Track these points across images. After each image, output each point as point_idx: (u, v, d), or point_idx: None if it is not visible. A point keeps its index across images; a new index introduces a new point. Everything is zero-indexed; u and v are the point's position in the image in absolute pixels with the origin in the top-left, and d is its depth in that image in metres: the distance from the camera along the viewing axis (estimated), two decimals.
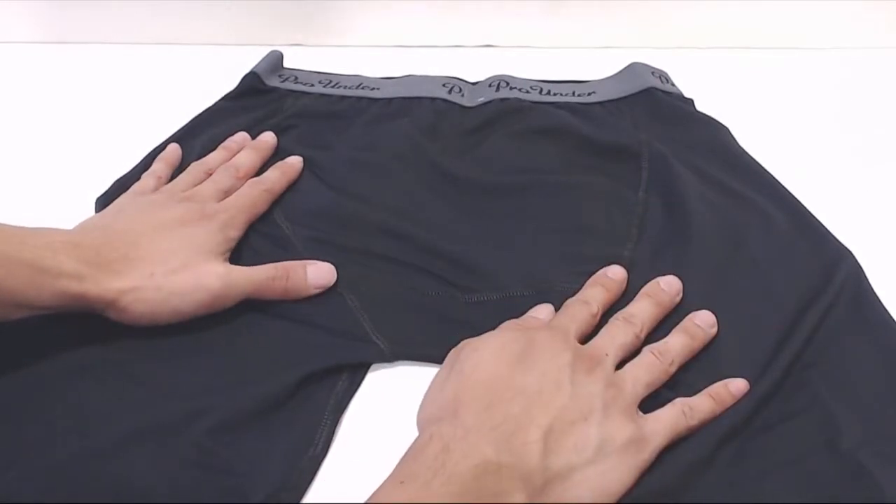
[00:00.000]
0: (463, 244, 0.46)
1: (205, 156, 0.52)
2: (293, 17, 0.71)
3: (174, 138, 0.55)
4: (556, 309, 0.41)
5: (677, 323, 0.40)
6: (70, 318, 0.38)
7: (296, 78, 0.61)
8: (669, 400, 0.36)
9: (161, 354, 0.39)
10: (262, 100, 0.59)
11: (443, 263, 0.45)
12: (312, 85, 0.60)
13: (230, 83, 0.60)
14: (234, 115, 0.56)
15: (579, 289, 0.42)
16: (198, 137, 0.54)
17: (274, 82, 0.60)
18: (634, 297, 0.42)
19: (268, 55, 0.62)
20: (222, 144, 0.53)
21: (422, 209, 0.49)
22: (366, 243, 0.46)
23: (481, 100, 0.57)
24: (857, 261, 0.43)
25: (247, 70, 0.60)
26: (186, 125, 0.56)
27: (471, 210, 0.49)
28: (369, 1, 0.70)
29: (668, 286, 0.41)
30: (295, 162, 0.51)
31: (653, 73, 0.59)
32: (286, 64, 0.63)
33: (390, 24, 0.72)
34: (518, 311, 0.42)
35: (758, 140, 0.53)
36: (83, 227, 0.43)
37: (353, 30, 0.72)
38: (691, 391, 0.37)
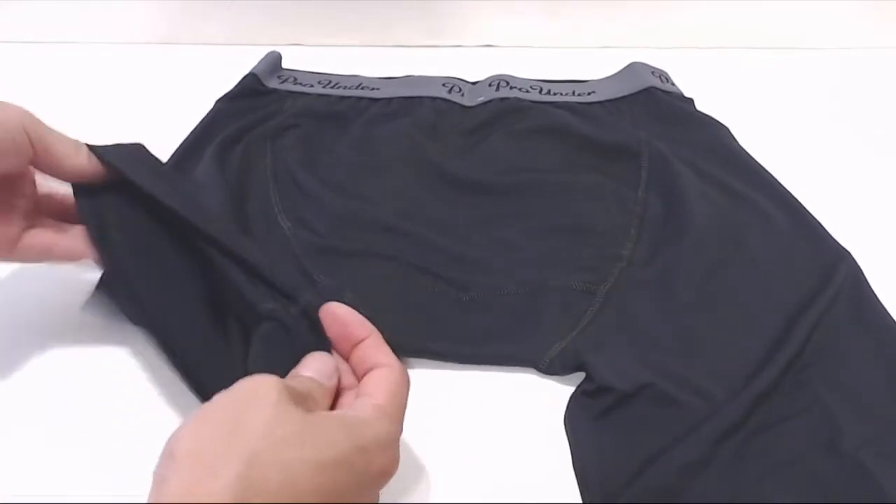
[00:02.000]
0: (461, 243, 0.46)
1: (213, 164, 0.50)
2: (293, 17, 0.71)
3: (182, 149, 0.53)
4: (558, 306, 0.42)
5: (672, 320, 0.40)
6: None
7: (295, 79, 0.61)
8: (676, 398, 0.36)
9: None
10: (261, 101, 0.59)
11: (440, 262, 0.45)
12: (312, 86, 0.60)
13: (230, 83, 0.60)
14: (234, 118, 0.56)
15: (574, 287, 0.42)
16: (205, 147, 0.53)
17: (273, 83, 0.60)
18: (634, 295, 0.42)
19: (266, 56, 0.62)
20: None
21: (421, 208, 0.49)
22: (365, 242, 0.46)
23: (481, 99, 0.57)
24: (856, 262, 0.43)
25: (246, 70, 0.60)
26: (191, 136, 0.55)
27: (470, 209, 0.49)
28: (369, 1, 0.70)
29: None
30: None
31: (653, 72, 0.59)
32: (286, 63, 0.63)
33: (390, 24, 0.72)
34: (513, 309, 0.42)
35: (758, 140, 0.53)
36: None
37: (353, 30, 0.72)
38: (693, 390, 0.37)
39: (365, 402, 0.30)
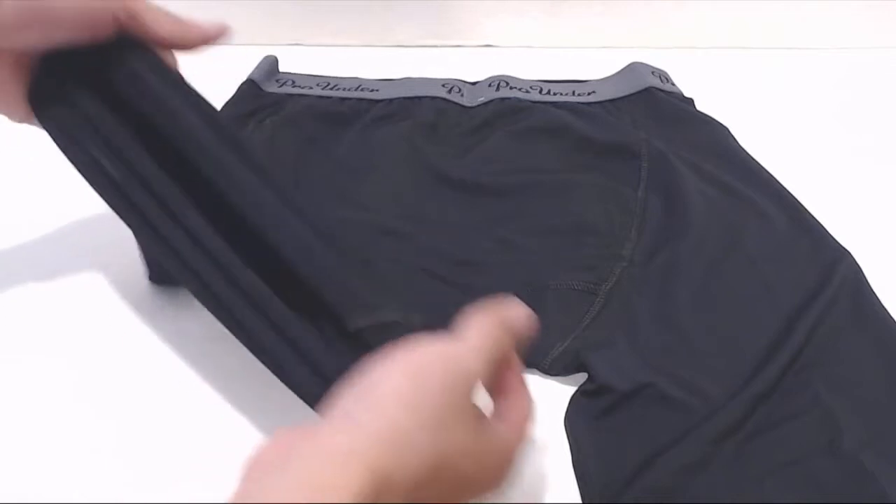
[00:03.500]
0: (462, 244, 0.46)
1: None
2: (293, 17, 0.71)
3: None
4: (559, 306, 0.42)
5: (672, 320, 0.40)
6: None
7: (293, 82, 0.60)
8: (676, 398, 0.36)
9: None
10: (261, 104, 0.58)
11: (441, 264, 0.45)
12: (311, 88, 0.59)
13: (230, 83, 0.59)
14: (236, 125, 0.55)
15: (576, 287, 0.42)
16: None
17: (271, 88, 0.59)
18: (634, 295, 0.42)
19: (263, 61, 0.61)
20: None
21: (422, 211, 0.49)
22: (364, 244, 0.46)
23: (481, 99, 0.57)
24: (855, 261, 0.43)
25: (246, 70, 0.60)
26: None
27: (470, 210, 0.49)
28: (369, 1, 0.70)
29: None
30: None
31: (653, 72, 0.59)
32: (286, 63, 0.63)
33: (390, 24, 0.72)
34: None
35: (758, 140, 0.53)
36: None
37: (353, 30, 0.72)
38: (693, 390, 0.37)
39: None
